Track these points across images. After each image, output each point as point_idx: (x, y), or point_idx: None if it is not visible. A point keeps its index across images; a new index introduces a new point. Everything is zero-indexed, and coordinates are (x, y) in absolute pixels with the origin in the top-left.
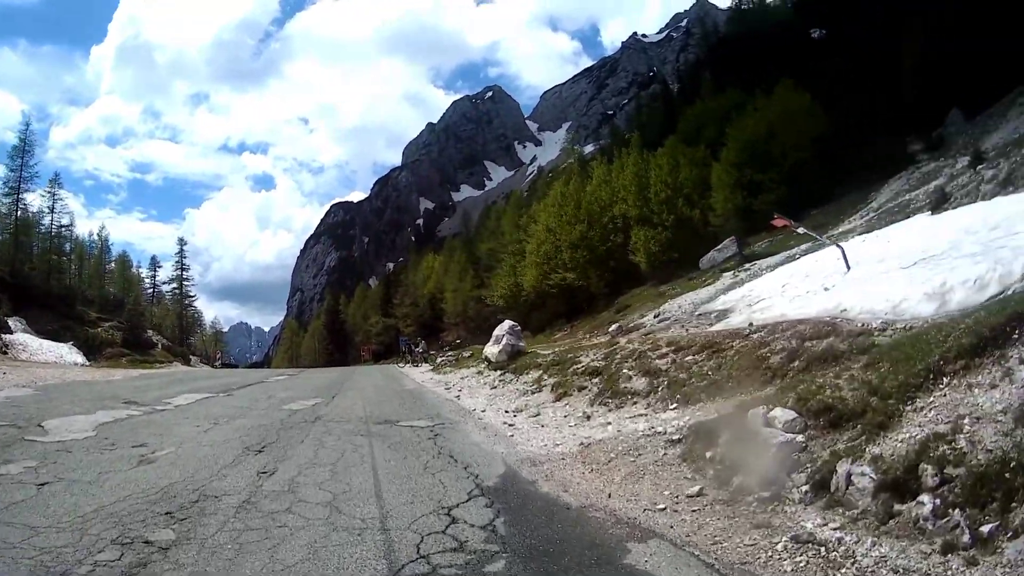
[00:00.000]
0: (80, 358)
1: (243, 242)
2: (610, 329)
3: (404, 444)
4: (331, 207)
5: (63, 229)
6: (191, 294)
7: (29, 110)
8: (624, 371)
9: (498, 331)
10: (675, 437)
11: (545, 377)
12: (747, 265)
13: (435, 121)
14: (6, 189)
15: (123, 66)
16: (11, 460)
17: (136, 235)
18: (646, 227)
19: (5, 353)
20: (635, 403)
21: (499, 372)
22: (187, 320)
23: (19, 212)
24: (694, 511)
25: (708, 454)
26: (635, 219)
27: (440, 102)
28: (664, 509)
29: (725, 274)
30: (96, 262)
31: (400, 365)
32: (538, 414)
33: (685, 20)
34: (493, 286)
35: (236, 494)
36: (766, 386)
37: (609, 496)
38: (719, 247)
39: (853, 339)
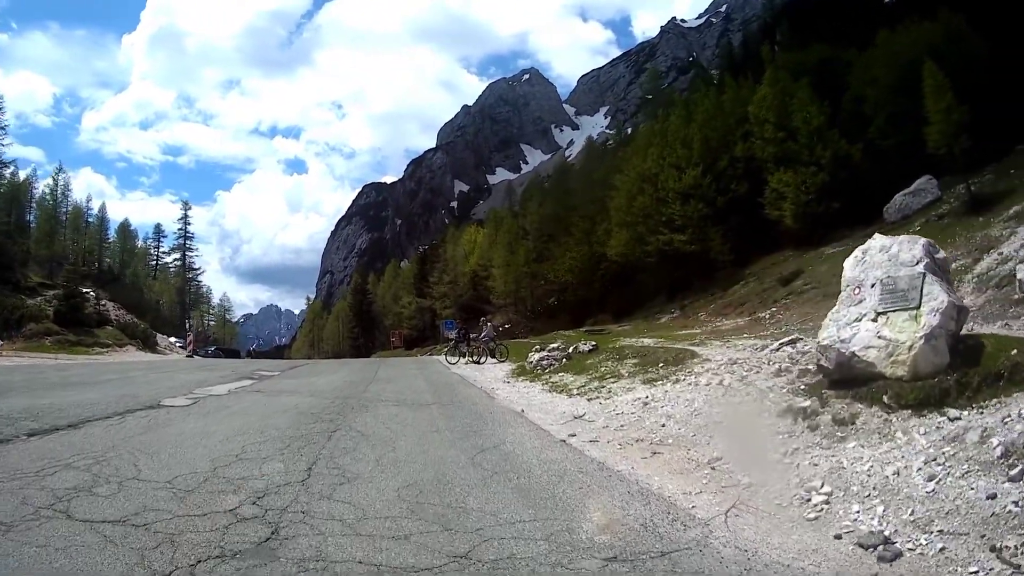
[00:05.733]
0: None
1: (274, 225)
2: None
3: None
4: (364, 188)
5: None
6: (195, 267)
7: (61, 93)
8: None
9: (870, 255)
10: None
11: None
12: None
13: (470, 103)
14: None
15: (156, 52)
16: None
17: (167, 218)
18: (792, 168)
19: None
20: None
21: None
22: (190, 296)
23: None
24: None
25: None
26: (771, 158)
27: (474, 88)
28: None
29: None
30: (69, 225)
31: (450, 359)
32: None
33: (725, 6)
34: (558, 258)
35: None
36: None
37: None
38: (909, 190)
39: None
